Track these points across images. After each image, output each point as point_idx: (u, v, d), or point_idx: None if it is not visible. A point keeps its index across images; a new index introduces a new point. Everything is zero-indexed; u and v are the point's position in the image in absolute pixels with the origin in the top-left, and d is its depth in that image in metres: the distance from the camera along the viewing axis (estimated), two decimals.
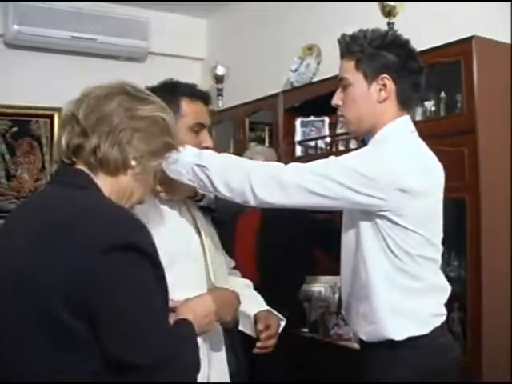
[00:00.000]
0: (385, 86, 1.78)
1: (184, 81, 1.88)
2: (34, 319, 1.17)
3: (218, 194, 1.75)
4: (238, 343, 1.92)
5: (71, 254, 1.16)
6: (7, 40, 4.39)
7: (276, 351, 1.97)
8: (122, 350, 1.18)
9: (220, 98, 4.62)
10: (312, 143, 3.71)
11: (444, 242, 1.83)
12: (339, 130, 3.47)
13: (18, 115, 4.45)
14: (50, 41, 4.42)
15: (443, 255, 1.86)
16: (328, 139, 3.62)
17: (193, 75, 4.62)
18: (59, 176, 1.37)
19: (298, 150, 3.76)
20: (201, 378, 1.47)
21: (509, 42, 2.69)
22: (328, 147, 3.61)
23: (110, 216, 1.23)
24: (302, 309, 3.41)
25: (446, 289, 1.85)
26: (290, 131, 3.78)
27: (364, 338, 1.84)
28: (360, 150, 1.80)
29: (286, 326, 2.01)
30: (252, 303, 1.96)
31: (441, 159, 1.84)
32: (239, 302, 1.77)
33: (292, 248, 3.19)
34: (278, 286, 2.99)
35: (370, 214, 1.73)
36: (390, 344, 1.74)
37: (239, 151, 3.46)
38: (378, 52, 1.77)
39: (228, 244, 2.90)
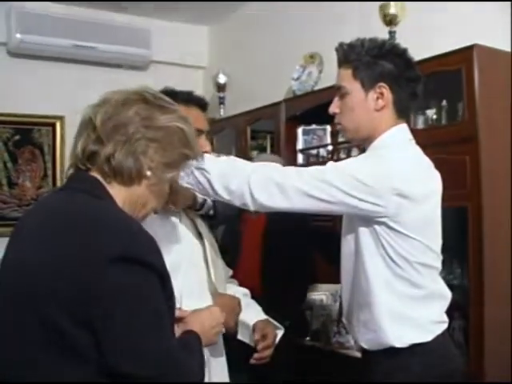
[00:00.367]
0: (382, 94, 1.79)
1: (186, 89, 1.89)
2: (33, 324, 1.16)
3: (217, 198, 1.75)
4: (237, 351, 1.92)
5: (76, 263, 1.15)
6: (10, 48, 4.41)
7: (277, 359, 1.96)
8: (125, 362, 1.16)
9: (222, 106, 4.62)
10: (314, 151, 3.72)
11: (446, 250, 1.83)
12: (341, 139, 3.47)
13: (20, 123, 4.46)
14: (53, 49, 4.44)
15: (445, 263, 1.86)
16: (330, 147, 3.63)
17: (195, 83, 4.65)
18: (73, 182, 1.34)
19: (300, 158, 3.77)
20: None
21: (509, 50, 2.70)
22: (330, 155, 3.61)
23: (119, 228, 1.21)
24: (305, 318, 3.40)
25: (447, 296, 1.85)
26: (292, 139, 3.78)
27: (365, 345, 1.83)
28: (358, 157, 1.81)
29: (289, 336, 2.00)
30: (250, 312, 1.96)
31: (442, 167, 1.84)
32: (240, 309, 1.77)
33: (296, 257, 3.18)
34: (281, 296, 2.99)
35: (368, 221, 1.73)
36: (392, 352, 1.74)
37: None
38: (375, 61, 1.78)
39: (232, 253, 2.91)
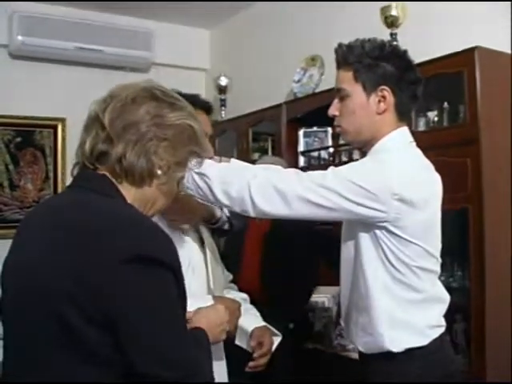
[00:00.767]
0: (384, 97, 1.76)
1: (187, 91, 1.88)
2: (47, 325, 1.15)
3: (217, 203, 1.73)
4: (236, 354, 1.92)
5: (90, 263, 1.13)
6: (11, 51, 4.41)
7: (279, 362, 1.96)
8: (143, 362, 1.14)
9: (223, 108, 4.63)
10: (315, 154, 3.72)
11: (447, 253, 1.83)
12: (342, 141, 3.47)
13: (21, 125, 4.46)
14: (54, 51, 4.45)
15: (446, 265, 1.86)
16: (331, 150, 3.63)
17: (196, 86, 4.66)
18: (82, 181, 1.31)
19: (301, 161, 3.76)
20: None
21: (510, 52, 2.70)
22: (331, 158, 3.61)
23: (133, 226, 1.20)
24: (309, 321, 3.40)
25: (445, 300, 1.84)
26: (293, 142, 3.78)
27: (362, 349, 1.83)
28: (359, 161, 1.79)
29: (292, 338, 2.00)
30: (249, 318, 1.95)
31: (444, 170, 1.84)
32: (240, 313, 1.76)
33: (298, 260, 3.18)
34: (285, 299, 2.99)
35: (369, 226, 1.72)
36: (388, 356, 1.73)
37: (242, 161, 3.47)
38: (376, 63, 1.76)
39: (235, 256, 2.90)
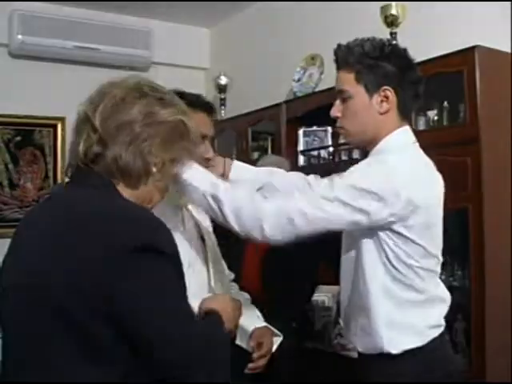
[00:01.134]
0: (387, 97, 1.76)
1: (187, 91, 1.86)
2: (48, 321, 1.16)
3: (226, 226, 1.71)
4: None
5: (94, 257, 1.14)
6: (11, 50, 4.41)
7: (279, 361, 1.96)
8: (156, 349, 1.16)
9: (223, 107, 4.63)
10: (315, 153, 3.72)
11: (447, 252, 1.83)
12: (342, 140, 3.47)
13: (21, 124, 4.45)
14: (54, 51, 4.44)
15: (447, 265, 1.86)
16: (331, 149, 3.63)
17: (196, 85, 4.64)
18: (80, 178, 1.32)
19: (301, 160, 3.76)
20: None
21: (510, 51, 2.70)
22: (331, 157, 3.61)
23: (134, 219, 1.21)
24: (310, 320, 3.40)
25: (446, 300, 1.84)
26: (293, 141, 3.78)
27: (361, 349, 1.82)
28: (363, 164, 1.77)
29: (293, 338, 1.99)
30: (249, 318, 1.94)
31: (444, 169, 1.84)
32: (241, 312, 1.75)
33: (299, 258, 3.17)
34: (287, 298, 2.99)
35: (371, 228, 1.71)
36: (387, 356, 1.73)
37: (242, 161, 3.47)
38: (377, 63, 1.75)
39: (236, 254, 2.90)
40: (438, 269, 1.81)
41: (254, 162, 3.18)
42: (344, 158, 3.46)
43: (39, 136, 4.55)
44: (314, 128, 3.74)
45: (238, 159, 2.06)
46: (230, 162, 1.99)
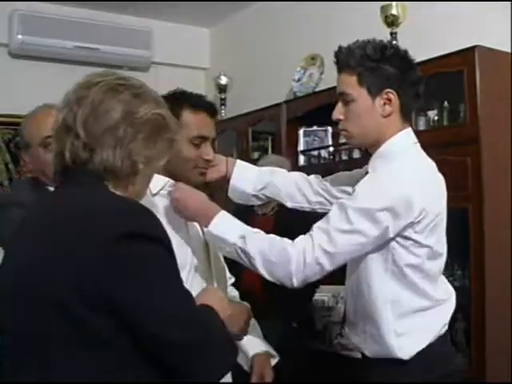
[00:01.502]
0: (389, 100, 1.74)
1: (196, 93, 1.84)
2: (46, 316, 1.16)
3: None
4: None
5: (81, 246, 1.16)
6: (11, 50, 4.41)
7: (280, 362, 1.95)
8: (154, 326, 1.17)
9: (223, 107, 4.63)
10: (315, 153, 3.73)
11: (447, 252, 1.82)
12: (342, 140, 3.47)
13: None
14: (54, 50, 4.45)
15: (446, 265, 1.85)
16: (331, 149, 3.63)
17: (196, 85, 4.65)
18: (67, 179, 1.33)
19: (301, 160, 3.77)
20: None
21: (510, 51, 2.70)
22: (331, 157, 3.61)
23: (120, 207, 1.23)
24: (311, 320, 3.40)
25: (452, 297, 1.83)
26: (293, 141, 3.78)
27: (369, 354, 1.81)
28: (369, 185, 1.73)
29: (296, 339, 1.98)
30: (251, 341, 1.92)
31: (444, 169, 1.83)
32: (250, 316, 1.70)
33: None
34: (288, 297, 2.98)
35: None
36: (397, 361, 1.72)
37: (242, 160, 3.48)
38: (379, 65, 1.73)
39: None
40: (442, 268, 1.81)
41: (254, 162, 3.16)
42: (344, 157, 3.47)
43: None
44: (315, 128, 3.75)
45: (238, 159, 2.07)
46: (232, 161, 2.00)
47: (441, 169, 1.82)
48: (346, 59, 1.77)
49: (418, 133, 1.87)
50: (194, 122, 1.76)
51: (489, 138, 2.53)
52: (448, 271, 2.58)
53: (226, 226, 1.72)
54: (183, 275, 1.63)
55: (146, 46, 4.79)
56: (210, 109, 1.81)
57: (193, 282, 1.70)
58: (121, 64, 4.75)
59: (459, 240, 2.51)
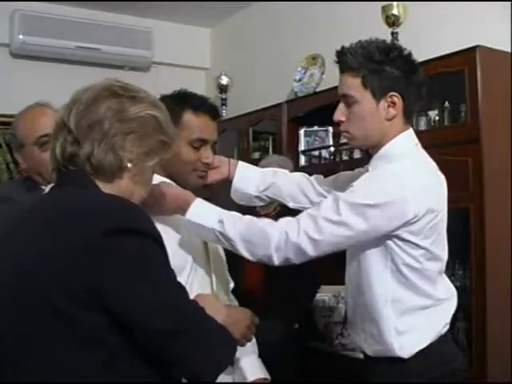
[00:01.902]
0: (394, 103, 1.72)
1: (199, 94, 1.82)
2: (37, 315, 1.17)
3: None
4: None
5: (68, 243, 1.17)
6: (12, 50, 4.41)
7: (280, 361, 1.95)
8: (147, 319, 1.18)
9: (224, 107, 4.63)
10: (316, 153, 3.73)
11: (448, 252, 1.82)
12: (343, 140, 3.47)
13: None
14: (55, 50, 4.45)
15: (448, 265, 1.85)
16: (332, 149, 3.63)
17: (197, 85, 4.65)
18: (61, 178, 1.35)
19: (302, 160, 3.77)
20: None
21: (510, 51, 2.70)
22: (332, 157, 3.61)
23: (106, 203, 1.25)
24: (312, 320, 3.40)
25: (454, 296, 1.83)
26: (294, 141, 3.78)
27: (370, 354, 1.81)
28: (366, 182, 1.73)
29: (298, 340, 1.95)
30: (249, 362, 1.88)
31: (445, 169, 1.83)
32: (253, 322, 1.67)
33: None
34: (288, 300, 2.98)
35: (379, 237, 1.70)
36: (397, 359, 1.72)
37: (243, 161, 3.47)
38: (383, 68, 1.70)
39: (238, 256, 2.90)
40: (444, 268, 1.81)
41: (255, 162, 3.17)
42: (345, 157, 3.47)
43: None
44: (315, 128, 3.75)
45: (239, 159, 2.07)
46: (234, 162, 1.99)
47: (441, 169, 1.82)
48: (348, 60, 1.74)
49: (418, 133, 1.87)
50: (195, 124, 1.74)
51: (490, 137, 2.53)
52: (449, 271, 2.58)
53: (203, 213, 1.70)
54: (183, 277, 1.64)
55: (146, 46, 4.78)
56: (212, 112, 1.78)
57: (193, 284, 1.70)
58: (121, 64, 4.76)
59: (460, 240, 2.51)
